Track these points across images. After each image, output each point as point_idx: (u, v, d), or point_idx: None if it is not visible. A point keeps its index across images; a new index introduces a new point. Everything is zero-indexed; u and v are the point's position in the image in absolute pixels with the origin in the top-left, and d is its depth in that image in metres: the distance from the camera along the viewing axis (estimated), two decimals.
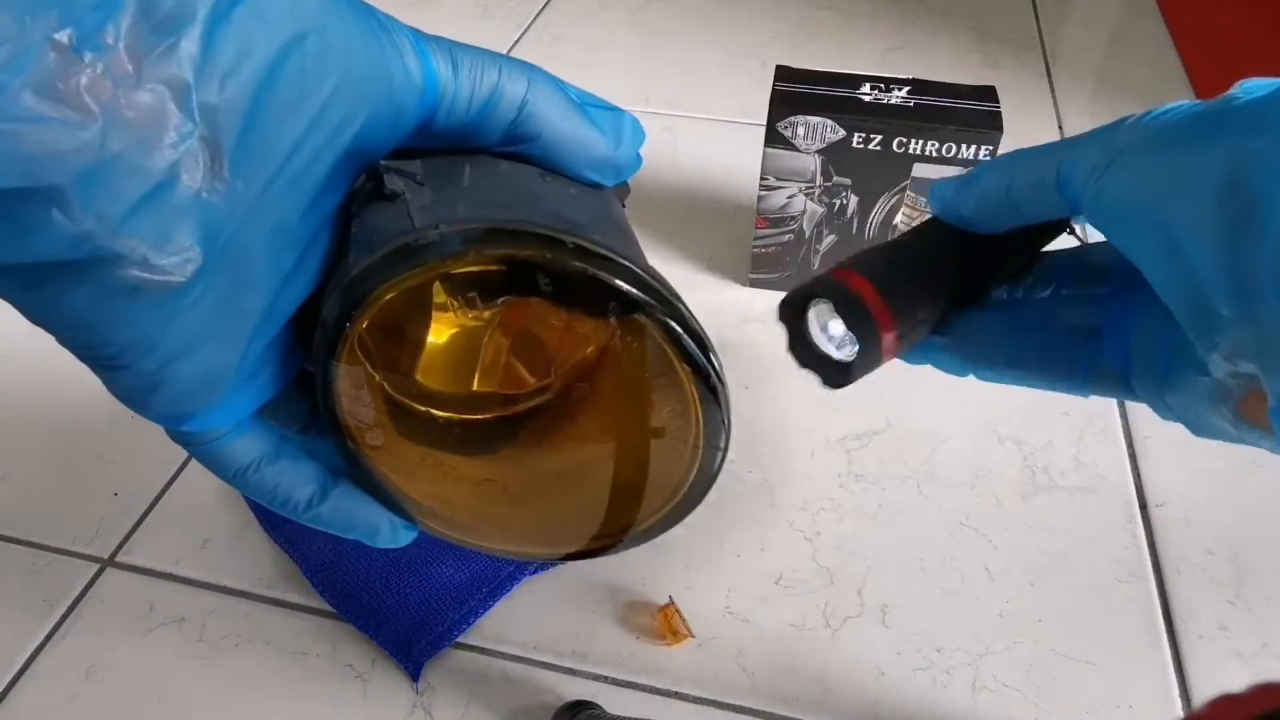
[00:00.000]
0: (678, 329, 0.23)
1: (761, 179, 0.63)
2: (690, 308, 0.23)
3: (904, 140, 0.60)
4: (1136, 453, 0.58)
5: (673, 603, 0.49)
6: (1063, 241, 0.26)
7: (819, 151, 0.61)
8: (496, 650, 0.48)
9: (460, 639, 0.48)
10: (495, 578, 0.49)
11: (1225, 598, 0.50)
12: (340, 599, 0.49)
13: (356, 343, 0.23)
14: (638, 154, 0.26)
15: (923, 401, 0.60)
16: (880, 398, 0.61)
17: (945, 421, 0.59)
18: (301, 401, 0.26)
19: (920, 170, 0.61)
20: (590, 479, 0.28)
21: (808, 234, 0.65)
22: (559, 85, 0.25)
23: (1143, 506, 0.55)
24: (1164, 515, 0.54)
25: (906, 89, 0.62)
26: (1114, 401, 0.61)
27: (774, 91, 0.62)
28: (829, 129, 0.60)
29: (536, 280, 0.22)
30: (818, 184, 0.63)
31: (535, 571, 0.51)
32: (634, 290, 0.22)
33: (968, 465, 0.57)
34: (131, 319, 0.21)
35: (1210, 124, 0.19)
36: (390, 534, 0.27)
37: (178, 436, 0.24)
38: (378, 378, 0.26)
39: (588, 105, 0.25)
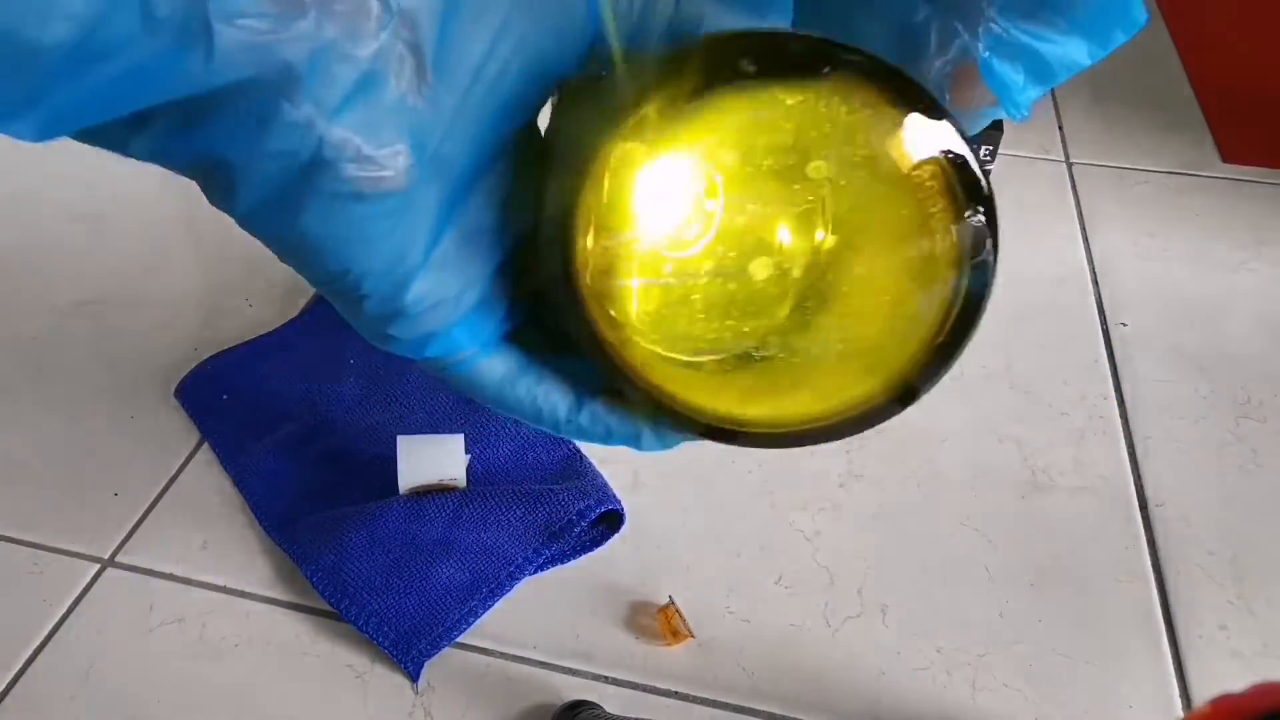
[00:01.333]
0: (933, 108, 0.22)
1: None
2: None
3: None
4: (1137, 453, 0.58)
5: (673, 603, 0.49)
6: None
7: None
8: (496, 650, 0.48)
9: (460, 639, 0.48)
10: (495, 578, 0.49)
11: (1225, 598, 0.50)
12: (340, 599, 0.49)
13: (602, 223, 0.23)
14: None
15: (923, 401, 0.60)
16: None
17: (945, 421, 0.59)
18: (544, 325, 0.27)
19: None
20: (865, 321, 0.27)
21: None
22: None
23: (1143, 506, 0.55)
24: (1164, 515, 0.54)
25: None
26: (1114, 401, 0.61)
27: None
28: None
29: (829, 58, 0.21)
30: None
31: (535, 571, 0.51)
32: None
33: (968, 465, 0.57)
34: (360, 231, 0.22)
35: None
36: (654, 439, 0.28)
37: (427, 364, 0.25)
38: (636, 251, 0.25)
39: None
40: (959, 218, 0.24)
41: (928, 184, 0.23)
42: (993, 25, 0.20)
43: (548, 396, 0.26)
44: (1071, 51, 0.20)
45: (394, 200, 0.22)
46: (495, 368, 0.26)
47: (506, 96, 0.23)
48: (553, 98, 0.24)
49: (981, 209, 0.23)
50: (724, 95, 0.22)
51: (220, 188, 0.22)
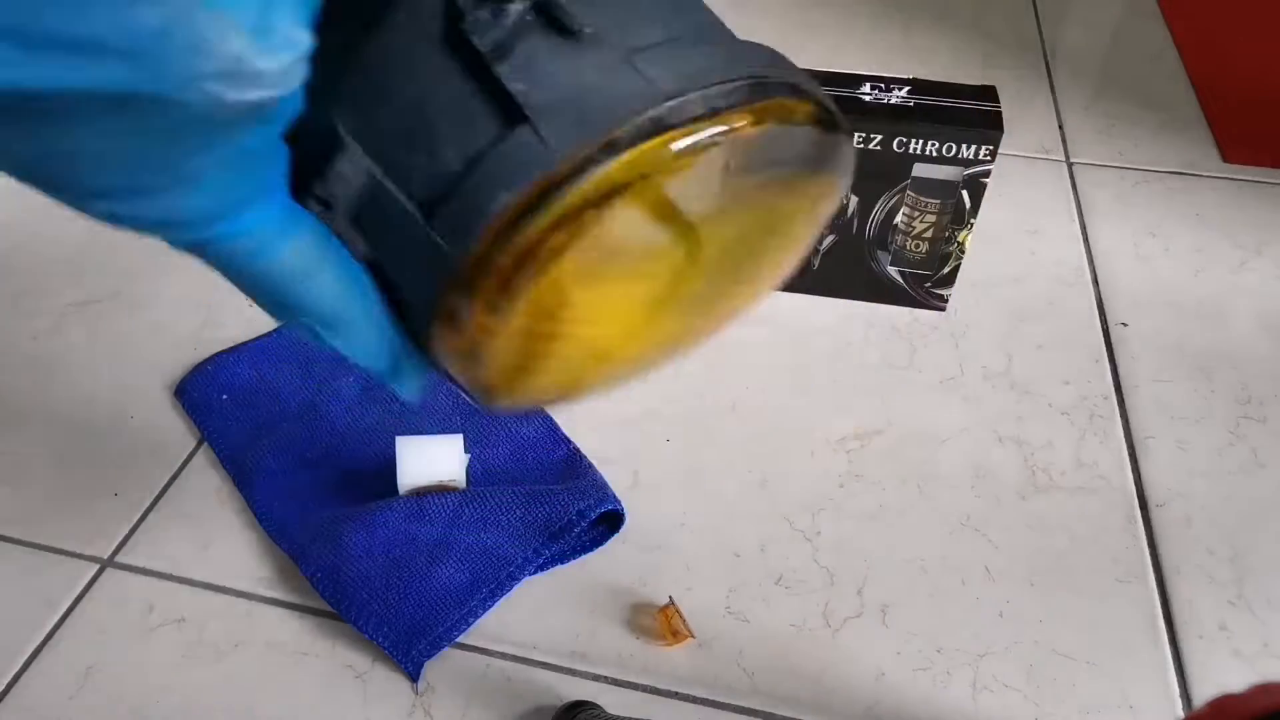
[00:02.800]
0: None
1: None
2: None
3: (904, 140, 0.60)
4: (1137, 453, 0.58)
5: (673, 603, 0.49)
6: None
7: None
8: (496, 650, 0.48)
9: (460, 639, 0.48)
10: (495, 578, 0.49)
11: (1225, 598, 0.50)
12: (340, 599, 0.49)
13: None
14: None
15: (923, 401, 0.60)
16: (880, 398, 0.61)
17: (945, 421, 0.59)
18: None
19: (920, 170, 0.61)
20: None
21: None
22: None
23: (1143, 506, 0.55)
24: (1164, 515, 0.54)
25: (906, 89, 0.62)
26: (1114, 401, 0.61)
27: None
28: None
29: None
30: None
31: (535, 572, 0.51)
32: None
33: (968, 465, 0.57)
34: (191, 166, 0.15)
35: None
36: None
37: (199, 247, 0.19)
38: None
39: None
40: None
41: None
42: None
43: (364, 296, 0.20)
44: None
45: (255, 120, 0.15)
46: (299, 253, 0.20)
47: None
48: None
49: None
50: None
51: None
